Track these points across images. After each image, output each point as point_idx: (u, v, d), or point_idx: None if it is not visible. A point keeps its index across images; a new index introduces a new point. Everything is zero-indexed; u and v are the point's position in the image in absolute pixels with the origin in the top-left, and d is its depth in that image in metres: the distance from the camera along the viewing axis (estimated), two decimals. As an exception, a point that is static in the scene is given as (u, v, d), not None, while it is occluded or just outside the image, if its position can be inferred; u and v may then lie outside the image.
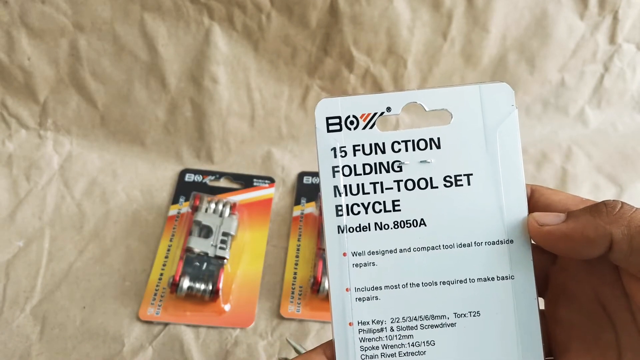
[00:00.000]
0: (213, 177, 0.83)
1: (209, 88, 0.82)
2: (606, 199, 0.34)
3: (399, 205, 0.36)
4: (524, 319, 0.36)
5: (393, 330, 0.36)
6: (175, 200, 0.80)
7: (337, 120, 0.36)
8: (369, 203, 0.36)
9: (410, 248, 0.36)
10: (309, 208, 0.80)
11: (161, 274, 0.72)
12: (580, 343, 0.35)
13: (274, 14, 0.78)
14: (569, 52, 0.88)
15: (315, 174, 0.84)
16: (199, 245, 0.71)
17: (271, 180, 0.83)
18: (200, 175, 0.83)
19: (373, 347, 0.36)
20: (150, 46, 0.79)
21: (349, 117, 0.36)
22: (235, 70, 0.82)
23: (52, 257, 0.74)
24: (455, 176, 0.36)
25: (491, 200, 0.36)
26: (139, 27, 0.78)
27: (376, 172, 0.36)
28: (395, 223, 0.36)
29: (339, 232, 0.36)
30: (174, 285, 0.68)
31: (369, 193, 0.36)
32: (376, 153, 0.36)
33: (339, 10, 0.78)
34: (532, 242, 0.36)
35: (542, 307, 0.37)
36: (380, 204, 0.36)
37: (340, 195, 0.36)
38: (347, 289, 0.36)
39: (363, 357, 0.36)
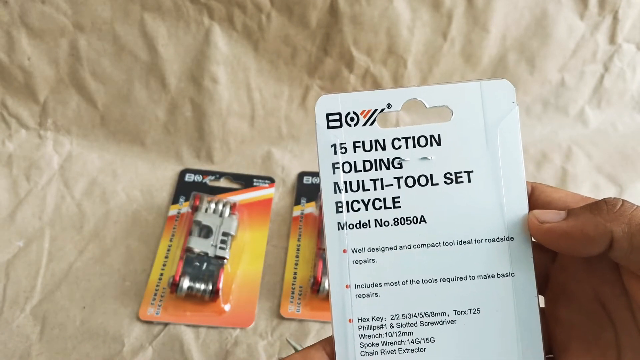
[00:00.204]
0: (213, 177, 0.83)
1: (209, 88, 0.82)
2: (605, 198, 0.34)
3: (399, 202, 0.36)
4: (524, 317, 0.36)
5: (393, 327, 0.36)
6: (175, 200, 0.80)
7: (337, 117, 0.36)
8: (369, 200, 0.36)
9: (410, 245, 0.36)
10: (309, 208, 0.80)
11: (161, 274, 0.72)
12: (580, 342, 0.35)
13: (274, 14, 0.78)
14: (569, 52, 0.88)
15: (316, 174, 0.84)
16: (199, 245, 0.71)
17: (271, 180, 0.83)
18: (200, 175, 0.83)
19: (373, 344, 0.36)
20: (150, 46, 0.79)
21: (349, 113, 0.36)
22: (235, 70, 0.82)
23: (52, 257, 0.73)
24: (456, 173, 0.36)
25: (491, 197, 0.36)
26: (139, 27, 0.78)
27: (376, 169, 0.36)
28: (395, 220, 0.36)
29: (339, 229, 0.36)
30: (174, 285, 0.68)
31: (369, 190, 0.36)
32: (376, 150, 0.36)
33: (339, 10, 0.78)
34: (533, 239, 0.36)
35: (542, 305, 0.37)
36: (380, 200, 0.36)
37: (340, 192, 0.36)
38: (347, 286, 0.36)
39: (363, 353, 0.36)
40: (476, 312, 0.36)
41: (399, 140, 0.36)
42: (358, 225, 0.36)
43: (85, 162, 0.83)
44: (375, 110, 0.36)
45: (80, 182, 0.81)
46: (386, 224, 0.36)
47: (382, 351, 0.36)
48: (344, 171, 0.36)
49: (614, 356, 0.34)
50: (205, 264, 0.71)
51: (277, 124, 0.86)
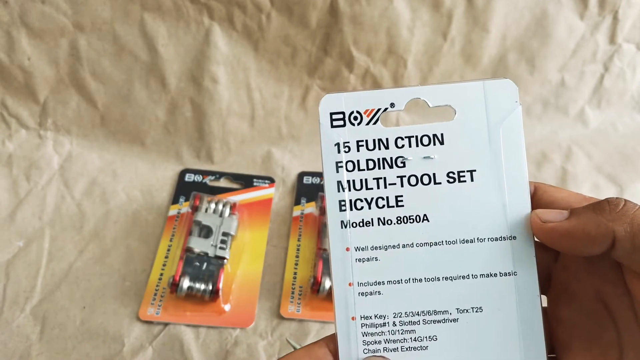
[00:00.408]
0: (213, 177, 0.83)
1: (209, 88, 0.82)
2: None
3: (402, 200, 0.36)
4: (527, 316, 0.36)
5: (395, 325, 0.36)
6: (175, 200, 0.80)
7: (340, 116, 0.36)
8: (372, 198, 0.36)
9: (413, 243, 0.36)
10: (309, 208, 0.80)
11: (161, 274, 0.72)
12: (582, 341, 0.35)
13: (274, 14, 0.78)
14: (569, 52, 0.88)
15: (316, 174, 0.84)
16: (199, 245, 0.71)
17: (271, 180, 0.83)
18: (200, 175, 0.83)
19: (375, 342, 0.36)
20: (150, 46, 0.79)
21: (352, 112, 0.36)
22: (235, 70, 0.82)
23: (52, 257, 0.73)
24: (459, 172, 0.36)
25: (494, 196, 0.36)
26: (139, 27, 0.78)
27: (379, 168, 0.36)
28: (399, 218, 0.36)
29: (342, 227, 0.36)
30: (174, 285, 0.68)
31: (372, 188, 0.36)
32: (380, 149, 0.36)
33: (339, 10, 0.78)
34: (535, 239, 0.36)
35: (544, 305, 0.37)
36: (383, 199, 0.36)
37: (343, 191, 0.36)
38: (350, 284, 0.36)
39: (365, 351, 0.36)
40: (478, 310, 0.36)
41: (402, 139, 0.36)
42: (361, 224, 0.36)
43: (85, 162, 0.83)
44: (379, 110, 0.36)
45: (80, 182, 0.81)
46: (389, 222, 0.36)
47: (385, 349, 0.36)
48: (347, 170, 0.36)
49: (616, 355, 0.34)
50: (205, 264, 0.71)
51: (277, 124, 0.86)
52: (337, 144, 0.36)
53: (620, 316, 0.34)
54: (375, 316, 0.36)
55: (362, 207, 0.36)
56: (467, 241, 0.36)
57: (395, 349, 0.36)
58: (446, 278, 0.36)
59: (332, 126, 0.36)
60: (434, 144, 0.36)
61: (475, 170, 0.36)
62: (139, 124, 0.83)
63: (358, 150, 0.36)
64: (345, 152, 0.36)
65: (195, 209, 0.76)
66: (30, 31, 0.76)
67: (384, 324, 0.36)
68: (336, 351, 0.36)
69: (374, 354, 0.36)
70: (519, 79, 0.88)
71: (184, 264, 0.70)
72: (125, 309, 0.70)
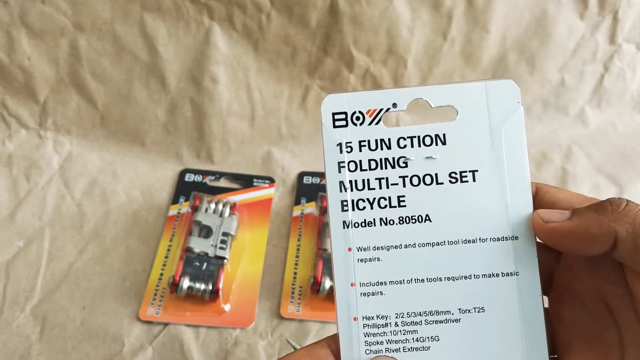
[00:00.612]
0: (213, 177, 0.83)
1: (209, 88, 0.82)
2: (607, 198, 0.34)
3: (404, 200, 0.36)
4: (529, 316, 0.36)
5: (397, 325, 0.36)
6: (175, 200, 0.80)
7: (343, 116, 0.36)
8: (374, 198, 0.36)
9: (415, 244, 0.36)
10: (309, 208, 0.80)
11: (161, 274, 0.72)
12: (584, 342, 0.36)
13: (274, 14, 0.78)
14: (569, 52, 0.88)
15: (316, 174, 0.84)
16: (199, 245, 0.71)
17: (271, 180, 0.83)
18: (200, 175, 0.83)
19: (377, 342, 0.36)
20: (150, 46, 0.79)
21: (354, 112, 0.36)
22: (235, 70, 0.82)
23: (52, 257, 0.73)
24: (461, 172, 0.36)
25: (496, 196, 0.36)
26: (139, 27, 0.78)
27: (382, 168, 0.36)
28: (401, 219, 0.36)
29: (344, 228, 0.36)
30: (174, 285, 0.68)
31: (374, 188, 0.36)
32: (382, 149, 0.36)
33: (339, 10, 0.78)
34: (537, 239, 0.36)
35: (546, 305, 0.37)
36: (385, 199, 0.36)
37: (345, 191, 0.36)
38: (352, 284, 0.36)
39: (367, 352, 0.36)
40: (480, 311, 0.36)
41: (405, 139, 0.36)
42: (363, 224, 0.36)
43: (85, 162, 0.83)
44: (381, 110, 0.36)
45: (80, 182, 0.81)
46: (391, 222, 0.36)
47: (387, 349, 0.36)
48: (349, 170, 0.36)
49: (617, 356, 0.34)
50: (205, 264, 0.71)
51: (277, 124, 0.86)
52: (340, 144, 0.36)
53: (622, 316, 0.34)
54: (377, 316, 0.36)
55: (364, 208, 0.36)
56: (469, 241, 0.36)
57: (397, 350, 0.36)
58: (448, 278, 0.36)
59: (335, 126, 0.36)
60: (436, 144, 0.36)
61: (477, 171, 0.36)
62: (139, 124, 0.83)
63: (360, 151, 0.36)
64: (348, 152, 0.36)
65: (195, 209, 0.76)
66: (30, 31, 0.76)
67: (386, 325, 0.36)
68: (338, 352, 0.36)
69: (378, 355, 0.36)
70: (519, 79, 0.88)
71: (184, 264, 0.70)
72: (125, 309, 0.70)
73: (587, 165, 0.89)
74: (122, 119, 0.83)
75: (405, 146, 0.36)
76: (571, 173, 0.87)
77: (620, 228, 0.31)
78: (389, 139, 0.36)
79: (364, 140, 0.36)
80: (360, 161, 0.36)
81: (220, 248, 0.72)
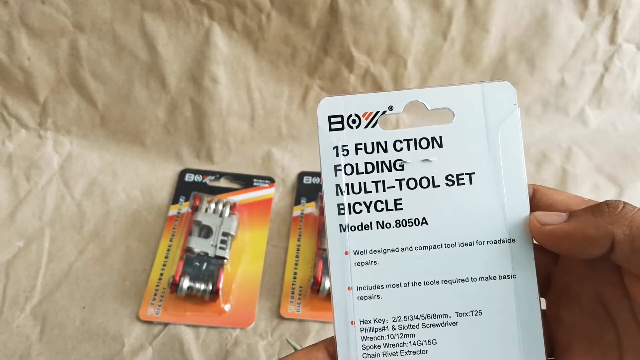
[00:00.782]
0: (213, 177, 0.83)
1: (209, 88, 0.82)
2: (606, 199, 0.34)
3: (400, 204, 0.36)
4: (526, 318, 0.36)
5: (395, 329, 0.36)
6: (175, 200, 0.80)
7: (339, 119, 0.36)
8: (370, 202, 0.36)
9: (412, 247, 0.36)
10: (309, 208, 0.80)
11: (161, 274, 0.72)
12: (582, 343, 0.36)
13: (274, 14, 0.78)
14: (569, 52, 0.88)
15: (316, 174, 0.84)
16: (199, 245, 0.71)
17: (271, 180, 0.83)
18: (200, 175, 0.83)
19: (375, 346, 0.36)
20: (150, 46, 0.79)
21: (351, 115, 0.36)
22: (235, 70, 0.82)
23: (52, 257, 0.73)
24: (457, 175, 0.36)
25: (493, 199, 0.36)
26: (139, 27, 0.78)
27: (378, 171, 0.36)
28: (397, 222, 0.36)
29: (340, 231, 0.36)
30: (174, 285, 0.68)
31: (371, 192, 0.36)
32: (378, 152, 0.36)
33: (339, 10, 0.78)
34: (534, 241, 0.36)
35: (543, 307, 0.37)
36: (382, 202, 0.36)
37: (342, 194, 0.36)
38: (349, 288, 0.36)
39: (365, 355, 0.36)
40: (478, 313, 0.36)
41: (401, 142, 0.36)
42: (360, 227, 0.36)
43: (85, 162, 0.83)
44: (377, 113, 0.36)
45: (80, 182, 0.81)
46: (388, 225, 0.36)
47: (384, 353, 0.36)
48: (345, 173, 0.36)
49: (616, 357, 0.34)
50: (205, 264, 0.71)
51: (277, 124, 0.86)
52: (336, 147, 0.36)
53: (620, 318, 0.34)
54: (374, 320, 0.36)
55: (360, 211, 0.36)
56: (466, 244, 0.36)
57: (394, 354, 0.36)
58: (445, 281, 0.36)
59: (331, 129, 0.36)
60: (433, 147, 0.36)
61: (474, 173, 0.36)
62: (139, 124, 0.83)
63: (356, 154, 0.36)
64: (344, 155, 0.36)
65: (195, 209, 0.76)
66: (30, 31, 0.76)
67: (383, 328, 0.36)
68: (336, 354, 0.36)
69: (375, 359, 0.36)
70: (519, 79, 0.88)
71: (184, 264, 0.70)
72: (125, 309, 0.70)
73: (587, 165, 0.89)
74: (122, 119, 0.83)
75: (401, 149, 0.36)
76: (571, 173, 0.87)
77: (618, 230, 0.31)
78: (385, 142, 0.36)
79: (360, 143, 0.36)
80: (357, 164, 0.36)
81: (220, 248, 0.72)
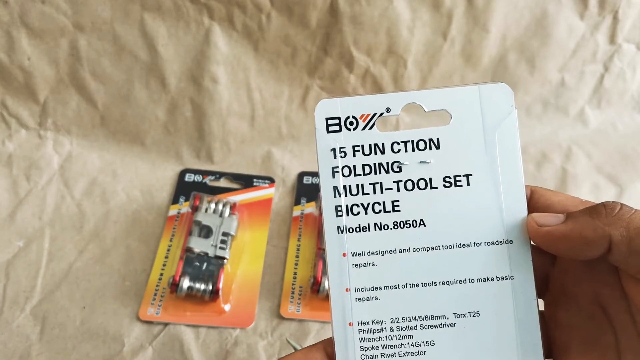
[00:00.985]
0: (213, 177, 0.83)
1: (209, 88, 0.82)
2: (606, 199, 0.34)
3: (398, 205, 0.36)
4: (524, 320, 0.36)
5: (393, 330, 0.36)
6: (175, 200, 0.80)
7: (336, 121, 0.36)
8: (368, 203, 0.36)
9: (409, 248, 0.36)
10: (309, 208, 0.80)
11: (161, 274, 0.72)
12: (580, 344, 0.36)
13: (274, 14, 0.78)
14: (569, 52, 0.88)
15: (315, 174, 0.84)
16: (199, 245, 0.71)
17: (271, 180, 0.83)
18: (200, 175, 0.83)
19: (373, 347, 0.36)
20: (150, 46, 0.79)
21: (348, 117, 0.36)
22: (235, 70, 0.82)
23: (52, 257, 0.74)
24: (455, 177, 0.36)
25: (490, 200, 0.36)
26: (139, 27, 0.78)
27: (376, 173, 0.36)
28: (395, 223, 0.36)
29: (338, 233, 0.36)
30: (174, 285, 0.68)
31: (368, 193, 0.36)
32: (376, 154, 0.36)
33: (339, 10, 0.78)
34: (532, 242, 0.36)
35: (541, 308, 0.37)
36: (379, 204, 0.36)
37: (339, 196, 0.36)
38: (346, 289, 0.36)
39: (363, 357, 0.36)
40: (476, 315, 0.36)
41: (398, 144, 0.36)
42: (358, 229, 0.36)
43: (85, 162, 0.83)
44: (375, 115, 0.36)
45: (80, 182, 0.81)
46: (386, 227, 0.36)
47: (382, 354, 0.36)
48: (343, 175, 0.36)
49: (614, 358, 0.34)
50: (205, 264, 0.71)
51: (277, 124, 0.86)
52: (333, 149, 0.36)
53: (618, 319, 0.34)
54: (372, 322, 0.36)
55: (358, 213, 0.36)
56: (463, 246, 0.36)
57: (392, 355, 0.36)
58: (443, 283, 0.36)
59: (328, 131, 0.36)
60: (430, 149, 0.36)
61: (471, 175, 0.36)
62: (139, 124, 0.83)
63: (354, 156, 0.36)
64: (342, 157, 0.36)
65: (195, 209, 0.76)
66: (30, 31, 0.76)
67: (381, 330, 0.36)
68: (334, 355, 0.36)
69: None
70: (518, 79, 0.88)
71: (184, 264, 0.70)
72: (125, 309, 0.70)
73: (587, 165, 0.89)
74: (122, 119, 0.83)
75: (399, 151, 0.36)
76: (571, 173, 0.87)
77: (615, 232, 0.31)
78: (383, 144, 0.36)
79: (358, 145, 0.36)
80: (354, 166, 0.36)
81: (220, 248, 0.72)
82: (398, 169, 0.36)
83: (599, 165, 0.89)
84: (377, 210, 0.36)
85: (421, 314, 0.36)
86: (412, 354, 0.36)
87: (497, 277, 0.36)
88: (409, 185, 0.36)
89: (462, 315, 0.36)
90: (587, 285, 0.36)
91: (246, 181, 0.83)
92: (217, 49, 0.80)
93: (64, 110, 0.82)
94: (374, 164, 0.36)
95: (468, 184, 0.36)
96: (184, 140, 0.85)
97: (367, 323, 0.36)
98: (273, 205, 0.81)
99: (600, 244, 0.32)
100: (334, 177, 0.36)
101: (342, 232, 0.36)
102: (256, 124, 0.86)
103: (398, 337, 0.36)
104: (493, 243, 0.36)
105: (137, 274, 0.73)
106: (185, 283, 0.68)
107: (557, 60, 0.88)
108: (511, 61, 0.87)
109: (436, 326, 0.36)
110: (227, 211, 0.75)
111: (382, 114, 0.36)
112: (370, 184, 0.36)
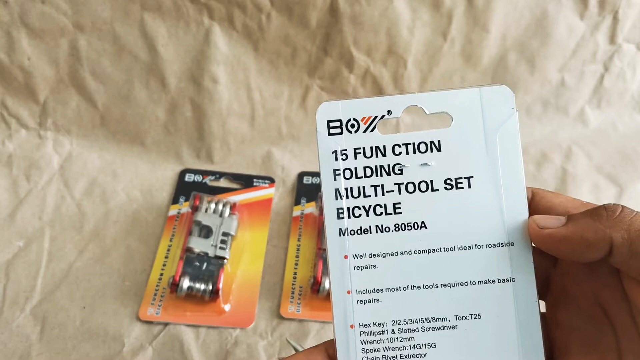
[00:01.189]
0: (213, 177, 0.83)
1: (209, 88, 0.82)
2: (606, 198, 0.34)
3: (399, 208, 0.36)
4: (525, 322, 0.36)
5: (394, 332, 0.36)
6: (175, 200, 0.80)
7: (338, 124, 0.36)
8: (370, 206, 0.36)
9: (411, 251, 0.36)
10: (309, 208, 0.80)
11: (161, 274, 0.72)
12: (581, 346, 0.36)
13: (274, 14, 0.78)
14: (569, 52, 0.88)
15: (316, 174, 0.84)
16: (199, 245, 0.71)
17: (271, 180, 0.83)
18: (200, 175, 0.83)
19: (374, 350, 0.36)
20: (150, 46, 0.79)
21: (349, 120, 0.36)
22: (235, 70, 0.82)
23: (52, 257, 0.74)
24: (456, 179, 0.36)
25: (492, 202, 0.36)
26: (139, 27, 0.78)
27: (377, 175, 0.36)
28: (396, 226, 0.36)
29: (340, 235, 0.36)
30: (174, 285, 0.68)
31: (370, 196, 0.36)
32: (377, 156, 0.36)
33: (339, 10, 0.78)
34: (533, 244, 0.36)
35: (542, 310, 0.37)
36: (381, 206, 0.36)
37: (341, 198, 0.36)
38: (348, 292, 0.36)
39: (365, 359, 0.36)
40: (477, 317, 0.36)
41: (399, 146, 0.36)
42: (359, 231, 0.36)
43: (85, 162, 0.83)
44: (376, 117, 0.36)
45: (80, 182, 0.81)
46: (387, 229, 0.36)
47: (384, 357, 0.36)
48: (345, 177, 0.36)
49: (614, 360, 0.34)
50: (205, 264, 0.71)
51: (277, 124, 0.86)
52: (335, 152, 0.36)
53: (619, 321, 0.34)
54: (373, 324, 0.36)
55: (360, 215, 0.36)
56: (465, 248, 0.36)
57: (394, 357, 0.36)
58: (444, 285, 0.36)
59: (329, 134, 0.36)
60: (431, 151, 0.36)
61: (472, 177, 0.36)
62: (139, 124, 0.83)
63: (355, 158, 0.36)
64: (343, 159, 0.36)
65: (195, 209, 0.76)
66: (30, 31, 0.76)
67: (383, 332, 0.36)
68: (335, 358, 0.36)
69: None
70: (519, 79, 0.88)
71: (184, 264, 0.70)
72: (125, 309, 0.70)
73: (587, 165, 0.89)
74: (122, 119, 0.83)
75: (400, 153, 0.36)
76: (571, 173, 0.87)
77: (616, 234, 0.31)
78: (384, 146, 0.36)
79: (359, 148, 0.36)
80: (356, 168, 0.36)
81: (220, 248, 0.72)
82: (399, 172, 0.36)
83: (599, 165, 0.89)
84: (378, 213, 0.36)
85: (422, 316, 0.36)
86: (414, 356, 0.36)
87: (498, 279, 0.36)
88: (410, 187, 0.36)
89: (464, 318, 0.36)
90: (588, 286, 0.36)
91: (246, 181, 0.83)
92: (217, 49, 0.80)
93: (64, 110, 0.82)
94: (375, 167, 0.36)
95: (469, 186, 0.36)
96: (184, 140, 0.85)
97: (369, 325, 0.36)
98: (273, 205, 0.81)
99: (601, 246, 0.32)
100: (335, 179, 0.36)
101: (343, 235, 0.36)
102: (256, 124, 0.86)
103: (399, 340, 0.36)
104: (494, 245, 0.36)
105: (137, 274, 0.73)
106: (185, 283, 0.68)
107: (557, 60, 0.88)
108: (511, 61, 0.87)
109: (437, 328, 0.36)
110: (227, 211, 0.75)
111: (383, 116, 0.36)
112: (371, 186, 0.36)
